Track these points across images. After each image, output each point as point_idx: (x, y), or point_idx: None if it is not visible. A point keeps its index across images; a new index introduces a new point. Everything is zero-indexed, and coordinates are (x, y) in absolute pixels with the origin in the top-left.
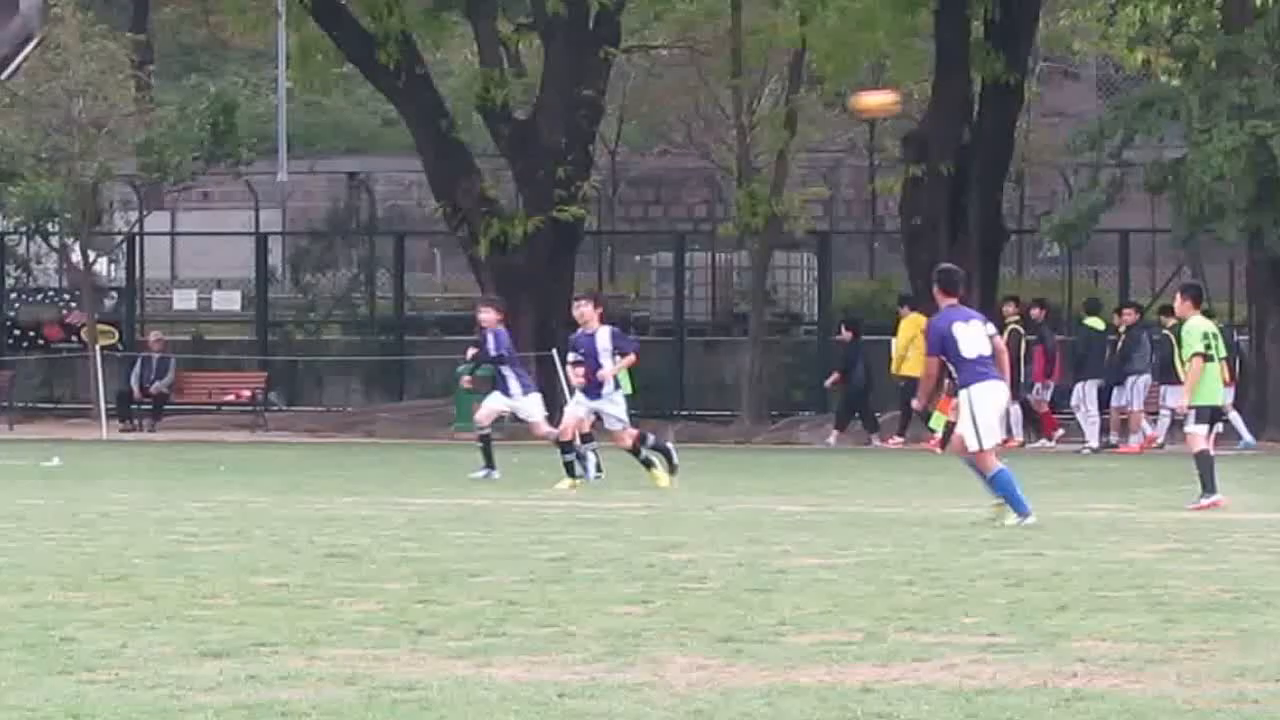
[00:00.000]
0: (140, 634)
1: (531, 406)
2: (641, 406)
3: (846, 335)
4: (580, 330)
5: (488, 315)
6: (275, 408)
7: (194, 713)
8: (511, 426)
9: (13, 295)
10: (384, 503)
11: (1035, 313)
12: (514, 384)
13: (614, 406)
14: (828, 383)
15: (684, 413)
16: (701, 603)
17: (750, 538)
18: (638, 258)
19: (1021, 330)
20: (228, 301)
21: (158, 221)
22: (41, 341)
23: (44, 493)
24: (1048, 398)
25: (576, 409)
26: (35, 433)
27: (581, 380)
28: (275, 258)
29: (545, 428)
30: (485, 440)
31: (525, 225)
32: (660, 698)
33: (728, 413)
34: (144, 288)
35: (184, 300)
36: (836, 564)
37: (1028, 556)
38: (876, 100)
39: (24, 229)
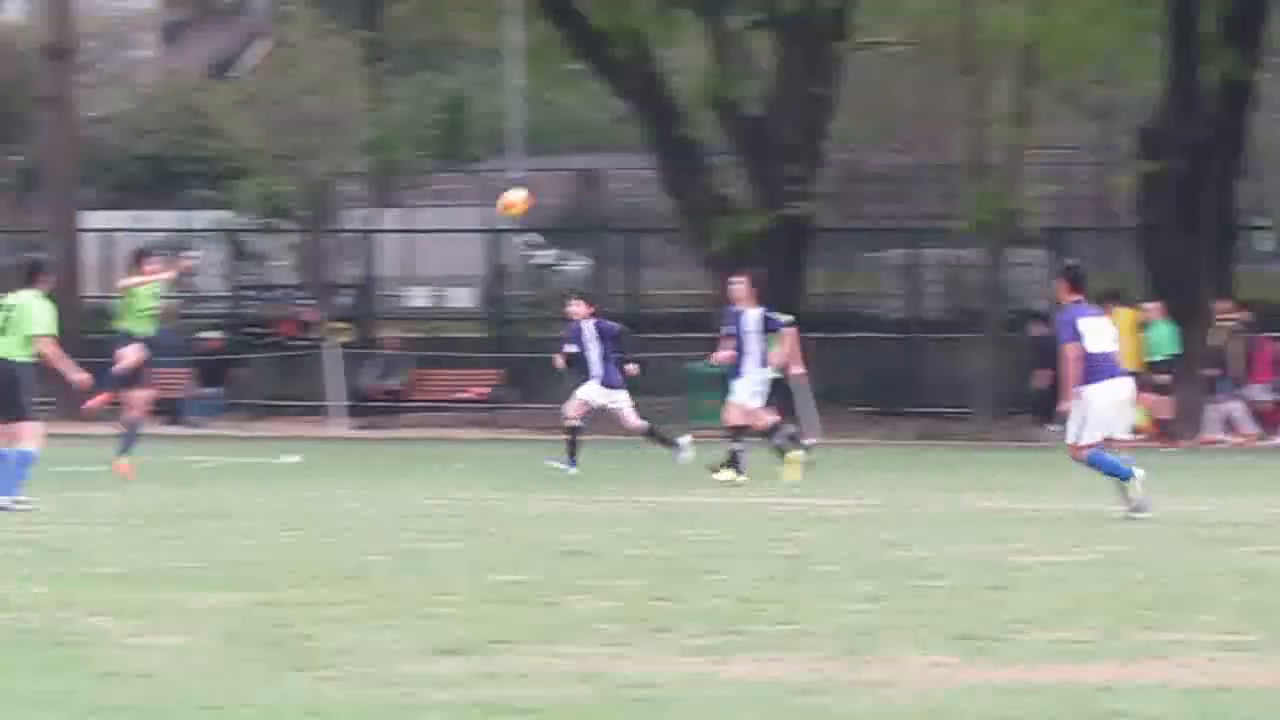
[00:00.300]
0: (377, 631)
1: (593, 395)
2: (878, 403)
3: (1038, 331)
4: (732, 305)
5: (578, 308)
6: (510, 405)
7: (430, 710)
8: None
9: (248, 293)
10: (619, 499)
11: (1240, 314)
12: (599, 374)
13: (744, 384)
14: (1038, 384)
15: (918, 410)
16: (937, 600)
17: (986, 535)
18: (871, 254)
19: (1233, 328)
20: (461, 298)
21: (391, 218)
22: (276, 338)
23: (281, 490)
24: (1260, 396)
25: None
26: (271, 430)
27: (728, 356)
28: (508, 255)
29: (574, 414)
30: (649, 432)
31: (758, 222)
32: (897, 695)
33: (963, 410)
34: (378, 285)
35: (418, 297)
36: (1073, 561)
37: (1265, 554)
38: (517, 199)
39: (258, 226)
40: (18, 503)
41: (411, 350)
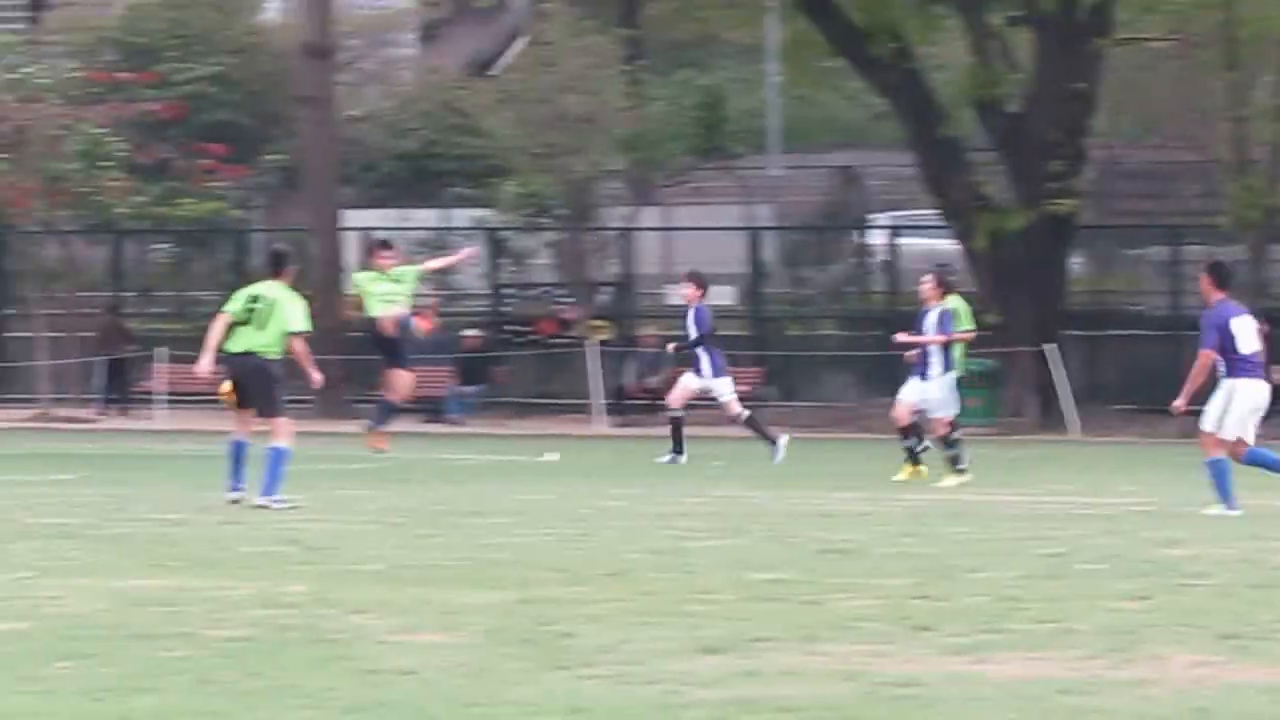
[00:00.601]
0: (638, 629)
1: (723, 387)
2: (1139, 401)
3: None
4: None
5: (690, 291)
6: (771, 402)
7: (692, 708)
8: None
9: (508, 291)
10: (880, 498)
11: None
12: (705, 364)
13: (933, 388)
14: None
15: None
16: (1202, 599)
17: (1252, 533)
18: (1132, 251)
19: None
20: (721, 296)
21: (650, 216)
22: (536, 337)
23: (542, 488)
24: None
25: (907, 394)
26: (531, 428)
27: (913, 355)
28: (768, 252)
29: (737, 408)
30: (676, 423)
31: (1019, 219)
32: (1161, 694)
33: None
34: (637, 283)
35: (677, 295)
36: None
37: None
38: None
39: (518, 224)
40: (278, 501)
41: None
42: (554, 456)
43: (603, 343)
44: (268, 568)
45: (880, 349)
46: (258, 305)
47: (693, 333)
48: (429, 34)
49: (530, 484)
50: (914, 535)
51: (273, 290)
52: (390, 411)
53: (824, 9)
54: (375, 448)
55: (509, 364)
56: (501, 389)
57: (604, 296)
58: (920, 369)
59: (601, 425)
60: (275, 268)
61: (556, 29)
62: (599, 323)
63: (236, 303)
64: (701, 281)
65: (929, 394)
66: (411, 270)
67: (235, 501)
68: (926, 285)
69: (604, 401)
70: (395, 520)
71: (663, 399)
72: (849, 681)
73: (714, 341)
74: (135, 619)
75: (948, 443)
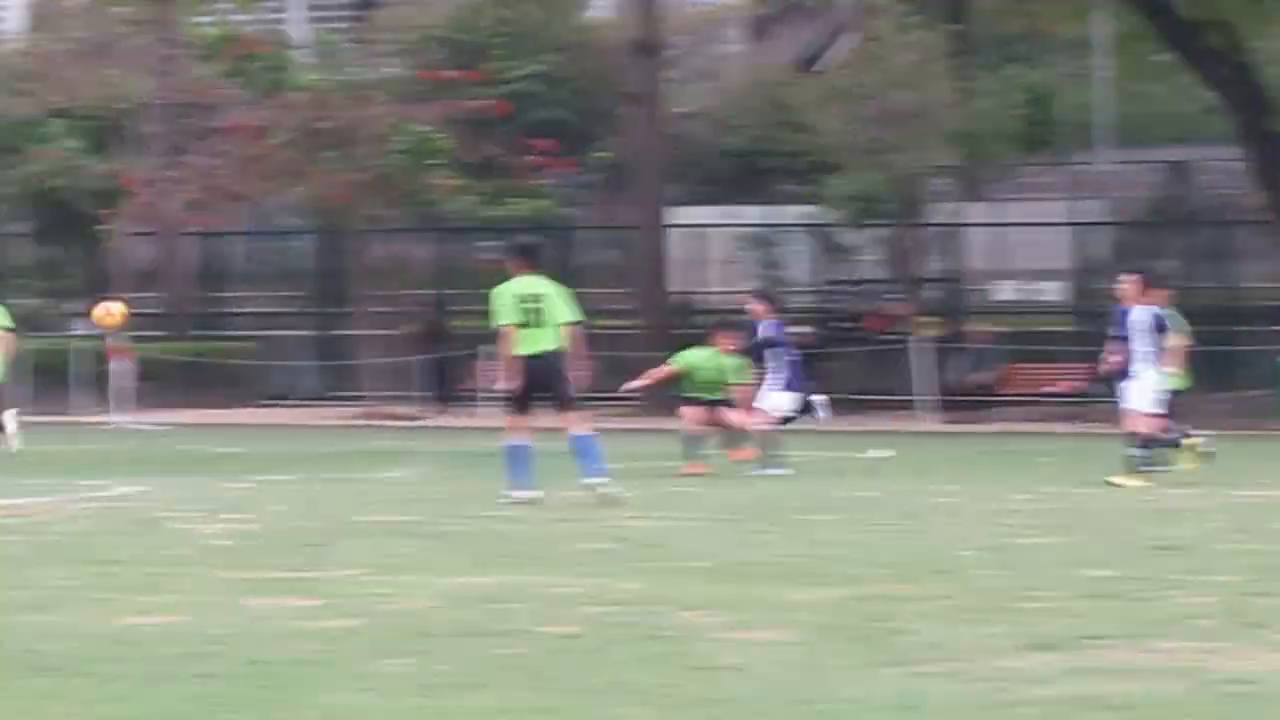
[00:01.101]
0: (968, 626)
1: (769, 398)
2: None
3: None
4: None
5: (756, 307)
6: (1101, 399)
7: (1023, 705)
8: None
9: (835, 286)
10: (1212, 494)
11: None
12: (772, 375)
13: (1139, 388)
14: None
15: None
16: None
17: None
18: None
19: None
20: (1050, 292)
21: (978, 212)
22: (864, 333)
23: (871, 485)
24: None
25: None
26: (858, 424)
27: (1115, 363)
28: (1098, 248)
29: (742, 419)
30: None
31: None
32: None
33: None
34: (966, 279)
35: (1006, 291)
36: None
37: None
38: (111, 312)
39: (846, 220)
40: (604, 481)
41: (1001, 344)
42: (885, 453)
43: (931, 338)
44: (598, 565)
45: (1212, 343)
46: (534, 305)
47: (753, 344)
48: (757, 30)
49: (858, 481)
50: (1247, 531)
51: (537, 285)
52: (696, 441)
53: (1154, 2)
54: (693, 473)
55: (837, 360)
56: (829, 385)
57: (932, 292)
58: (1125, 371)
59: (929, 421)
60: (529, 261)
61: (884, 25)
62: (927, 318)
63: (512, 311)
64: (767, 296)
65: (1141, 394)
66: (740, 366)
67: (531, 501)
68: (1127, 285)
69: (933, 397)
70: (725, 517)
71: (992, 395)
72: (1181, 679)
73: (786, 355)
74: (466, 616)
75: (1147, 443)
